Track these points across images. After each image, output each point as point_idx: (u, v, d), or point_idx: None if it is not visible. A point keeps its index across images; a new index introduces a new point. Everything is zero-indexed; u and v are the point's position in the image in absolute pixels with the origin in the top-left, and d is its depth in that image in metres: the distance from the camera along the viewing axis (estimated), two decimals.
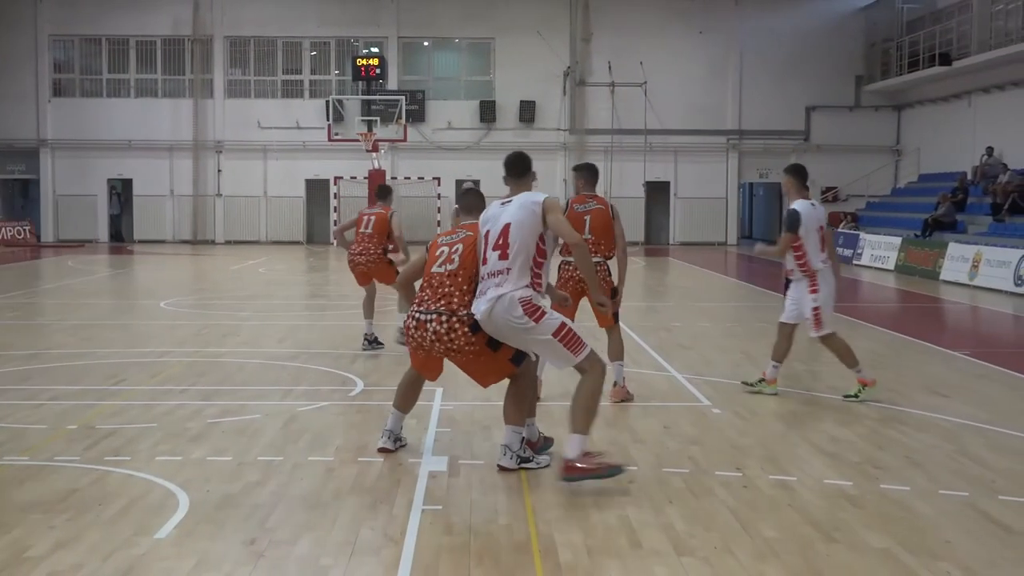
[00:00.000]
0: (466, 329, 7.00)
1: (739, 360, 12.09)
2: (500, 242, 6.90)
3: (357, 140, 33.86)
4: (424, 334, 7.03)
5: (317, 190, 37.70)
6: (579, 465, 6.70)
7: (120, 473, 7.06)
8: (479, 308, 6.87)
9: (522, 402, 7.23)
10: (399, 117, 34.11)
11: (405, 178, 36.60)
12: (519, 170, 7.34)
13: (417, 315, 7.10)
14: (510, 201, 7.09)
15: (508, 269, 6.86)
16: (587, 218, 9.36)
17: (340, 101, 35.02)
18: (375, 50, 37.00)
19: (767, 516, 6.28)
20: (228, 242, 37.64)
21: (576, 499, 6.59)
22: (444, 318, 6.96)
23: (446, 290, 7.06)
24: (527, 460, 7.23)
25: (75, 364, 11.77)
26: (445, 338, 6.99)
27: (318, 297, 21.40)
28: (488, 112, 37.73)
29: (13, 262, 29.19)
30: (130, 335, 14.04)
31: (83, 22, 37.98)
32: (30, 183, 39.08)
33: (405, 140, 34.75)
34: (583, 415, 6.80)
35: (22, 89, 37.82)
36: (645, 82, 37.34)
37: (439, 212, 35.23)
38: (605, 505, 6.46)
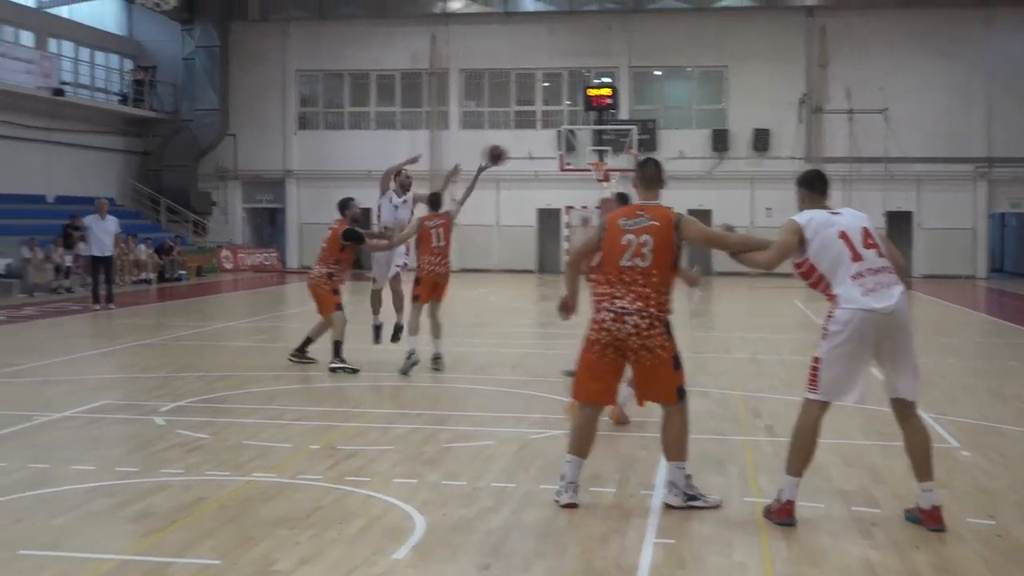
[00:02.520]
0: (664, 330, 6.92)
1: (986, 400, 11.46)
2: (870, 242, 6.63)
3: (588, 170, 34.05)
4: (622, 327, 6.91)
5: (549, 219, 38.10)
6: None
7: (360, 494, 7.25)
8: (889, 299, 6.48)
9: (683, 438, 7.00)
10: (631, 146, 34.12)
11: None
12: (823, 187, 7.02)
13: (615, 309, 6.98)
14: (839, 212, 6.80)
15: (890, 268, 6.65)
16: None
17: (572, 131, 35.31)
18: (607, 80, 37.18)
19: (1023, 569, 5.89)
20: (461, 270, 38.47)
21: (813, 537, 6.36)
22: (646, 314, 6.88)
23: (641, 290, 6.95)
24: (695, 498, 6.99)
25: (317, 386, 12.22)
26: (645, 332, 6.88)
27: (549, 325, 21.56)
28: (720, 141, 37.30)
29: (261, 287, 30.68)
30: (368, 360, 14.49)
31: (327, 58, 39.70)
32: (277, 212, 41.03)
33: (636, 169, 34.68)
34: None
35: (271, 122, 39.83)
36: (886, 108, 36.14)
37: None
38: (845, 546, 6.20)
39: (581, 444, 7.12)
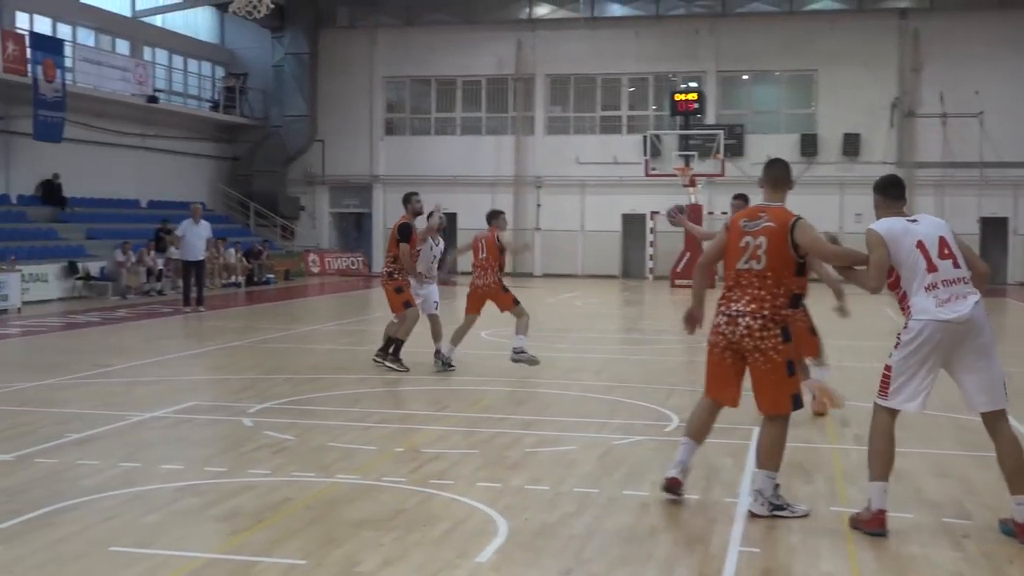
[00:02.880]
0: (779, 331, 6.84)
1: None
2: (946, 252, 6.51)
3: (674, 175, 33.86)
4: (735, 328, 6.87)
5: (633, 225, 37.93)
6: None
7: (444, 496, 7.27)
8: (962, 308, 6.39)
9: (779, 448, 6.91)
10: (717, 151, 33.86)
11: (723, 213, 36.21)
12: (898, 192, 6.94)
13: (731, 312, 6.94)
14: (916, 219, 6.70)
15: (966, 278, 6.55)
16: None
17: (658, 136, 35.14)
18: (693, 85, 36.94)
19: None
20: (546, 275, 38.47)
21: (902, 548, 6.23)
22: (759, 316, 6.82)
23: (756, 292, 6.89)
24: (780, 508, 6.87)
25: (401, 390, 12.29)
26: (757, 334, 6.83)
27: (633, 331, 21.48)
28: (809, 145, 36.80)
29: (348, 291, 30.99)
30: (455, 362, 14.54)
31: (414, 64, 39.99)
32: (363, 216, 41.43)
33: (723, 175, 34.42)
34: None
35: (358, 128, 40.24)
36: (981, 112, 35.37)
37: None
38: (935, 558, 6.07)
39: (695, 429, 7.26)
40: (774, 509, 6.86)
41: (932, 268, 6.45)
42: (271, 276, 33.66)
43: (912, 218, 6.71)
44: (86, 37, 32.95)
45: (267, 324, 20.66)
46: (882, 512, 6.47)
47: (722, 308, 7.05)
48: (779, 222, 6.97)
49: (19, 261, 23.54)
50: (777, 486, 6.93)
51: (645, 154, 35.04)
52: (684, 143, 34.43)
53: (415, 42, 39.73)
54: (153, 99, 33.89)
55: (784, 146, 37.02)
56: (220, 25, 40.41)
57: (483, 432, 9.56)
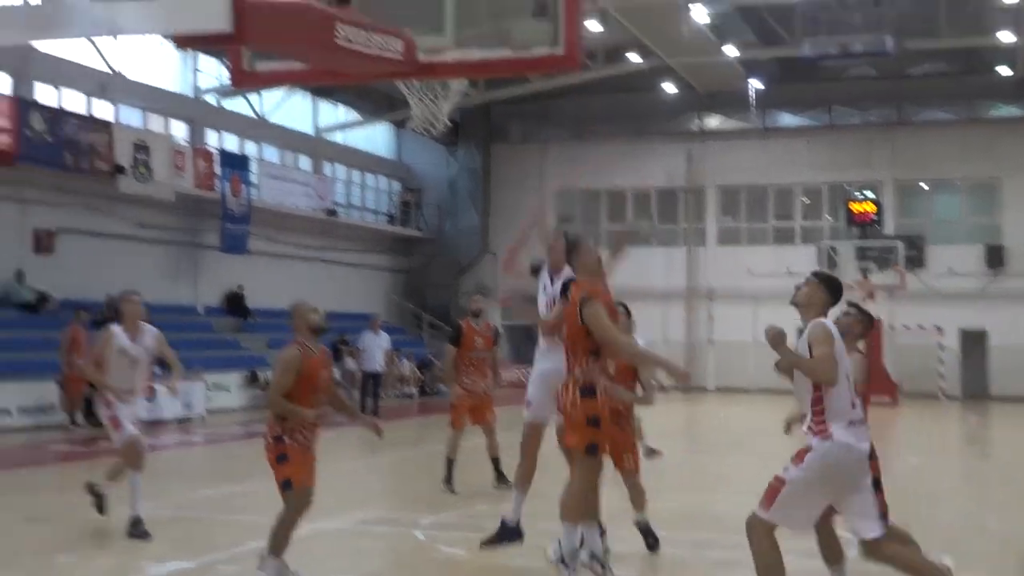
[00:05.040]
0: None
1: None
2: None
3: (851, 287, 33.02)
4: None
5: None
6: None
7: None
8: (868, 437, 6.55)
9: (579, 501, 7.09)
10: (896, 263, 32.93)
11: (904, 326, 35.10)
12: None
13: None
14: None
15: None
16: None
17: (833, 247, 34.43)
18: (870, 194, 36.15)
19: None
20: (718, 389, 37.77)
21: None
22: None
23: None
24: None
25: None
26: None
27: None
28: (995, 256, 35.40)
29: (520, 403, 30.96)
30: None
31: (584, 177, 40.31)
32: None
33: (903, 287, 33.41)
34: None
35: (530, 240, 40.61)
36: None
37: (942, 363, 33.45)
38: None
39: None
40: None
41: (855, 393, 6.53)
42: (443, 387, 33.96)
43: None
44: (271, 154, 34.40)
45: (439, 435, 20.66)
46: None
47: None
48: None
49: (204, 371, 24.36)
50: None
51: (820, 266, 34.31)
52: (861, 254, 33.61)
53: (586, 155, 40.15)
54: (332, 212, 35.01)
55: (968, 257, 35.82)
56: (397, 141, 41.69)
57: (666, 552, 9.24)
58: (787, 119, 38.49)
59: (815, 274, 7.09)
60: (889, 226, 36.25)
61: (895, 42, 28.60)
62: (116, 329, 10.07)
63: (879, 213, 34.65)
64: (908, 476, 16.27)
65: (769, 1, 29.96)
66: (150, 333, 10.19)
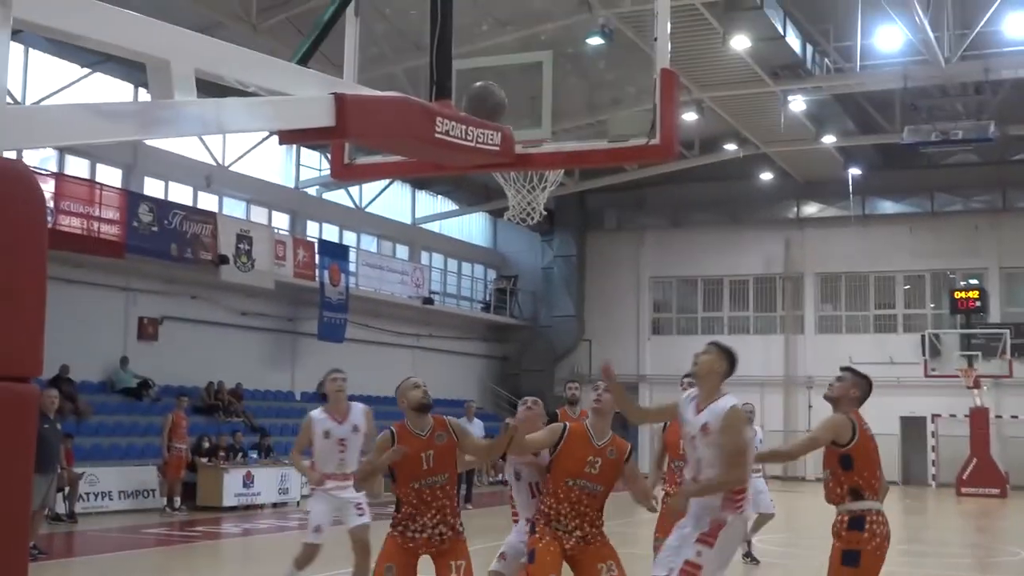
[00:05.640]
0: None
1: None
2: None
3: (956, 376, 32.22)
4: None
5: (913, 428, 36.10)
6: None
7: None
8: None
9: None
10: (1003, 352, 32.09)
11: (1012, 417, 34.04)
12: None
13: None
14: None
15: None
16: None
17: (937, 336, 33.72)
18: (974, 282, 35.43)
19: None
20: (817, 479, 36.88)
21: None
22: None
23: None
24: None
25: None
26: None
27: (915, 542, 20.12)
28: None
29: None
30: None
31: (680, 264, 40.23)
32: None
33: (1011, 376, 32.49)
34: None
35: (625, 327, 40.50)
36: None
37: None
38: None
39: None
40: None
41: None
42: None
43: None
44: (369, 243, 34.94)
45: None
46: None
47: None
48: None
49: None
50: None
51: (924, 354, 33.60)
52: (966, 342, 32.84)
53: (682, 242, 40.08)
54: (429, 300, 35.31)
55: None
56: (493, 230, 42.08)
57: None
58: (887, 206, 38.02)
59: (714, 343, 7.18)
60: (995, 314, 35.42)
61: (997, 128, 28.19)
62: (314, 414, 9.80)
63: (984, 300, 33.90)
64: (1014, 570, 15.67)
65: (868, 89, 29.78)
66: (357, 410, 9.86)
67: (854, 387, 6.59)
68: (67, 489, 18.91)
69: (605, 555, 7.03)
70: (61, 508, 18.83)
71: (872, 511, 6.44)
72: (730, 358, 6.98)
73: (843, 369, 6.81)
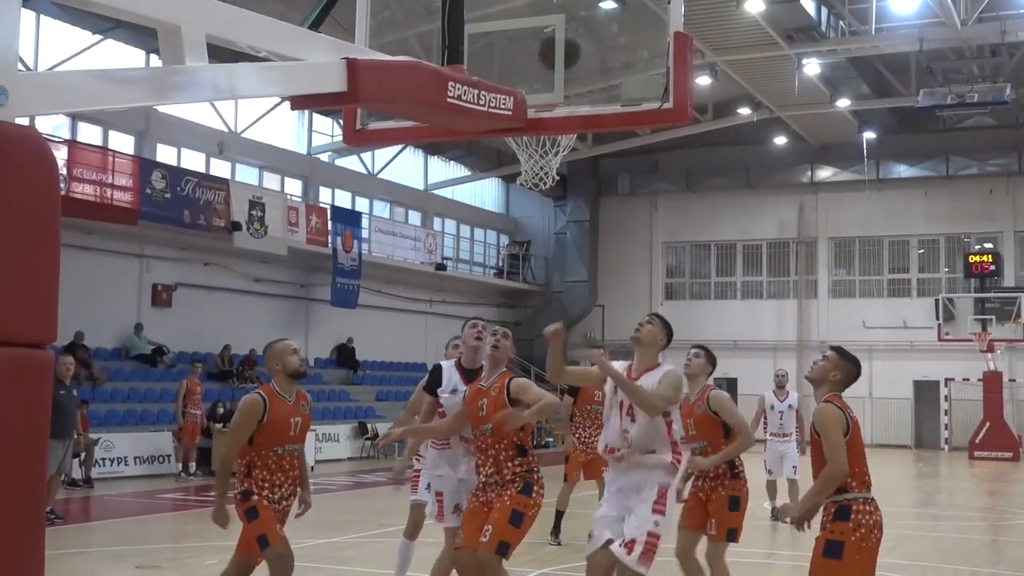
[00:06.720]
0: None
1: None
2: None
3: (970, 340, 32.15)
4: None
5: (926, 391, 36.09)
6: None
7: None
8: None
9: None
10: (1017, 315, 31.99)
11: None
12: None
13: None
14: None
15: None
16: None
17: (950, 299, 33.63)
18: (989, 245, 35.29)
19: None
20: None
21: None
22: None
23: None
24: None
25: None
26: None
27: (928, 505, 20.17)
28: None
29: None
30: None
31: (694, 230, 40.15)
32: None
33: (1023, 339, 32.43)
34: None
35: (638, 293, 40.48)
36: None
37: None
38: None
39: None
40: None
41: None
42: (550, 440, 33.85)
43: None
44: (381, 209, 34.92)
45: (549, 487, 20.60)
46: None
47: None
48: None
49: (314, 422, 24.61)
50: None
51: (937, 318, 33.52)
52: (980, 307, 32.74)
53: (695, 207, 39.97)
54: (441, 267, 35.32)
55: None
56: (506, 195, 42.02)
57: None
58: (902, 170, 37.79)
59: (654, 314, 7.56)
60: (1009, 278, 35.29)
61: (1013, 91, 27.96)
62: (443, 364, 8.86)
63: (998, 264, 33.79)
64: None
65: (883, 52, 29.54)
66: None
67: (836, 369, 6.37)
68: (83, 455, 19.06)
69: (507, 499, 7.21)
70: (77, 473, 19.01)
71: (859, 500, 6.28)
72: (669, 333, 7.40)
73: (831, 348, 6.61)
